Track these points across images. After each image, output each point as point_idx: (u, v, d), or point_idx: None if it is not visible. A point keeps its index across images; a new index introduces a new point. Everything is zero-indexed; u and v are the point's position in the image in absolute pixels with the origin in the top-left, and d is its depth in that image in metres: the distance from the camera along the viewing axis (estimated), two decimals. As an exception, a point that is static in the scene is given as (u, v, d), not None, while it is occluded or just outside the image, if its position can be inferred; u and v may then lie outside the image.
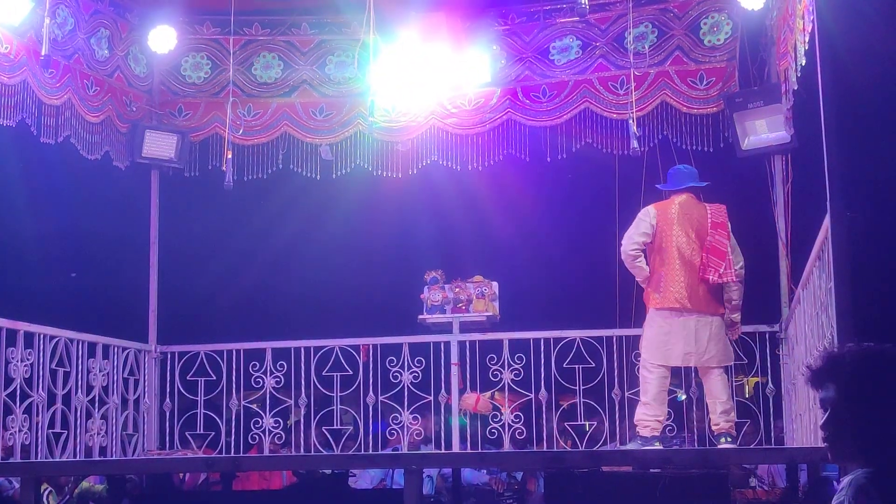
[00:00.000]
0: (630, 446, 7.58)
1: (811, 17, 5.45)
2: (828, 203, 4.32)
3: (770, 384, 8.39)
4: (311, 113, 9.49)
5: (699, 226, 7.69)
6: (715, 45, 8.76)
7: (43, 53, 7.38)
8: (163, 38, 9.00)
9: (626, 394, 8.49)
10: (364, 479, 9.08)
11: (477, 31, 9.09)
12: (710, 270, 7.60)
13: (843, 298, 4.21)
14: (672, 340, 7.62)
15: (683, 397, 8.66)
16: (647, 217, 7.72)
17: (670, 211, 7.73)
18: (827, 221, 4.61)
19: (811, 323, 6.13)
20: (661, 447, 7.47)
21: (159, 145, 9.18)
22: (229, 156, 8.65)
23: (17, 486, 7.62)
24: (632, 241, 7.71)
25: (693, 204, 7.78)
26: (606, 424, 8.57)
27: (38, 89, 8.01)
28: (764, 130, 8.28)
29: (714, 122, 8.70)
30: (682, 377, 8.48)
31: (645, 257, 7.79)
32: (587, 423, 8.82)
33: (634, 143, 8.09)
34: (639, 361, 8.45)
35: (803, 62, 6.19)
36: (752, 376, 8.67)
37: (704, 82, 8.75)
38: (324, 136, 9.45)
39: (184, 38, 9.27)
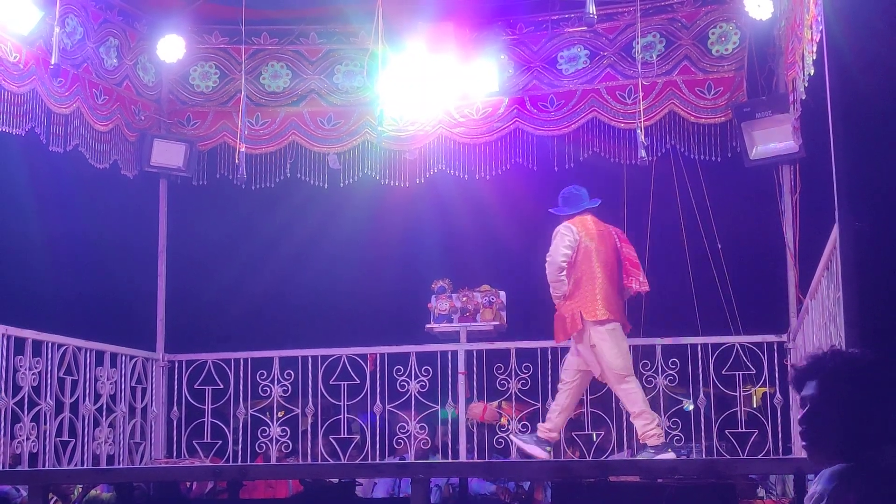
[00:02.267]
0: (642, 457, 7.56)
1: (819, 27, 5.45)
2: (836, 213, 4.31)
3: (778, 394, 8.37)
4: (318, 122, 9.51)
5: (610, 242, 7.85)
6: (723, 54, 8.76)
7: (52, 62, 7.42)
8: (171, 48, 9.03)
9: (634, 404, 8.48)
10: (381, 486, 9.11)
11: (485, 41, 9.11)
12: (633, 280, 7.81)
13: (851, 308, 4.19)
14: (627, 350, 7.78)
15: (691, 407, 8.65)
16: (570, 232, 7.74)
17: (588, 227, 7.80)
18: (835, 231, 4.61)
19: (819, 333, 6.13)
20: (673, 454, 7.49)
21: (168, 154, 9.20)
22: (242, 149, 8.61)
23: (24, 493, 7.63)
24: (560, 252, 7.70)
25: (598, 221, 7.93)
26: (614, 434, 8.55)
27: (47, 98, 8.04)
28: (772, 140, 8.27)
29: (722, 132, 8.69)
30: (690, 387, 8.47)
31: None
32: (594, 433, 8.80)
33: (642, 153, 8.08)
34: (646, 372, 8.46)
35: (811, 72, 6.19)
36: (760, 386, 8.66)
37: (712, 92, 8.75)
38: (331, 145, 9.47)
39: (192, 47, 9.30)
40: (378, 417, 9.01)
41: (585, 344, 7.67)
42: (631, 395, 7.68)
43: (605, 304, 7.63)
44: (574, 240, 7.70)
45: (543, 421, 8.04)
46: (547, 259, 7.72)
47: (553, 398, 8.55)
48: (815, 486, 2.91)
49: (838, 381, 3.01)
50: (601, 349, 7.62)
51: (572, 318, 7.66)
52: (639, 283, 7.82)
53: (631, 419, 7.84)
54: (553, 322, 7.86)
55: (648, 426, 7.56)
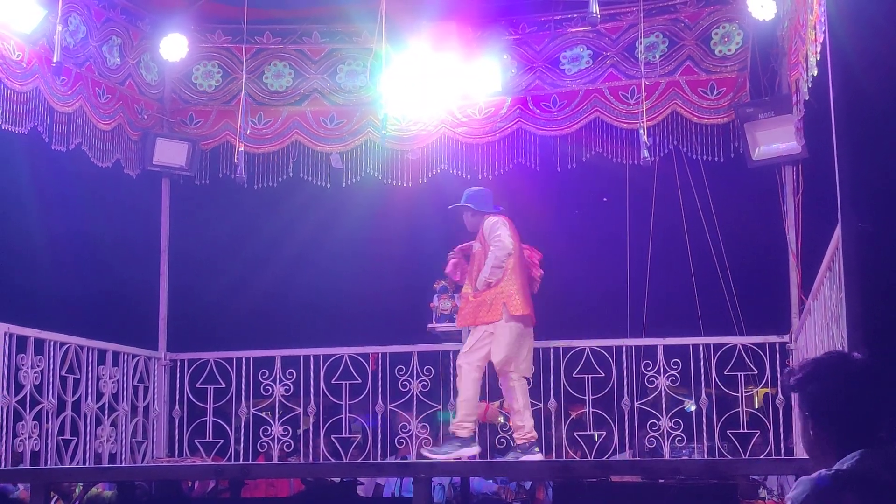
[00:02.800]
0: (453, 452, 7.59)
1: (823, 28, 5.44)
2: (839, 213, 4.30)
3: (780, 395, 8.36)
4: (321, 122, 9.52)
5: (519, 243, 7.89)
6: (726, 55, 8.76)
7: (55, 61, 7.41)
8: (174, 47, 9.04)
9: (636, 404, 8.48)
10: (388, 489, 9.12)
11: (487, 41, 9.11)
12: (535, 283, 7.96)
13: (853, 309, 4.19)
14: (524, 350, 7.78)
15: (693, 407, 8.65)
16: (505, 226, 7.79)
17: (510, 226, 7.86)
18: (838, 232, 4.60)
19: (822, 334, 6.12)
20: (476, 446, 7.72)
21: (170, 153, 9.20)
22: (241, 148, 8.63)
23: (21, 487, 7.65)
24: (509, 240, 7.72)
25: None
26: (616, 434, 8.55)
27: (49, 97, 8.04)
28: (775, 141, 8.26)
29: (725, 133, 8.69)
30: (693, 387, 8.47)
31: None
32: (596, 433, 8.80)
33: (645, 153, 8.08)
34: (648, 372, 8.45)
35: (814, 73, 6.18)
36: (762, 387, 8.65)
37: (715, 92, 8.75)
38: (334, 144, 9.47)
39: (195, 46, 9.31)
40: (379, 419, 9.00)
41: (488, 330, 7.70)
42: (466, 382, 7.71)
43: (523, 300, 7.70)
44: (509, 233, 7.77)
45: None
46: (496, 244, 7.66)
47: (554, 398, 8.55)
48: (796, 489, 2.87)
49: (805, 389, 3.04)
50: (499, 338, 7.65)
51: (494, 306, 7.67)
52: (539, 275, 8.00)
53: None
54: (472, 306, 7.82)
55: (467, 416, 7.69)
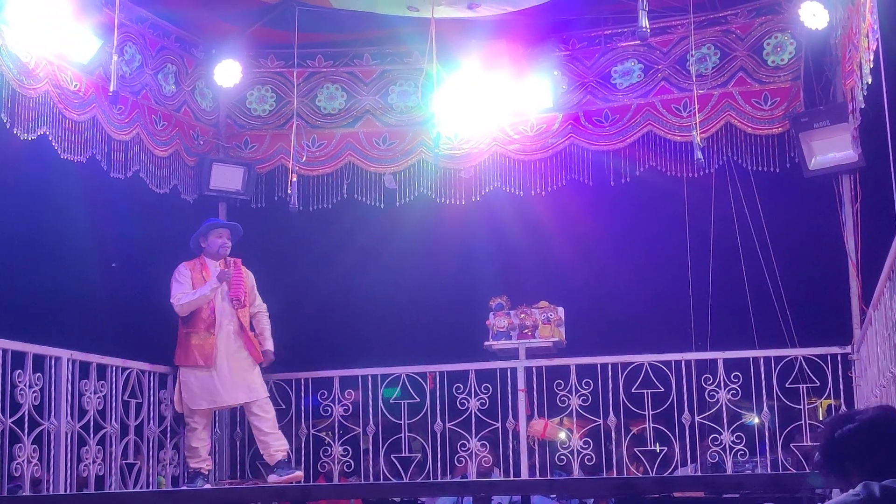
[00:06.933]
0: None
1: (875, 36, 5.39)
2: (896, 222, 4.25)
3: (843, 407, 8.25)
4: (374, 142, 9.58)
5: None
6: (779, 65, 8.69)
7: (111, 90, 7.52)
8: (228, 73, 9.15)
9: (697, 418, 8.41)
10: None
11: (538, 58, 9.12)
12: None
13: (914, 319, 4.13)
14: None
15: (756, 420, 8.56)
16: None
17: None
18: (896, 240, 4.55)
19: (883, 344, 6.04)
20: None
21: (226, 178, 9.30)
22: (294, 179, 8.77)
23: None
24: None
25: None
26: (677, 449, 8.48)
27: (107, 125, 8.18)
28: (831, 150, 8.17)
29: (780, 143, 8.62)
30: (754, 400, 8.38)
31: None
32: (658, 448, 8.73)
33: (698, 154, 7.97)
34: (709, 386, 8.38)
35: (869, 80, 6.12)
36: (825, 399, 8.54)
37: (769, 103, 8.68)
38: (387, 165, 9.53)
39: (248, 71, 9.41)
40: (438, 437, 9.00)
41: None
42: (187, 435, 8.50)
43: None
44: None
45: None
46: (263, 305, 8.87)
47: (613, 414, 8.50)
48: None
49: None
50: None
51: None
52: None
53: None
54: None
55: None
